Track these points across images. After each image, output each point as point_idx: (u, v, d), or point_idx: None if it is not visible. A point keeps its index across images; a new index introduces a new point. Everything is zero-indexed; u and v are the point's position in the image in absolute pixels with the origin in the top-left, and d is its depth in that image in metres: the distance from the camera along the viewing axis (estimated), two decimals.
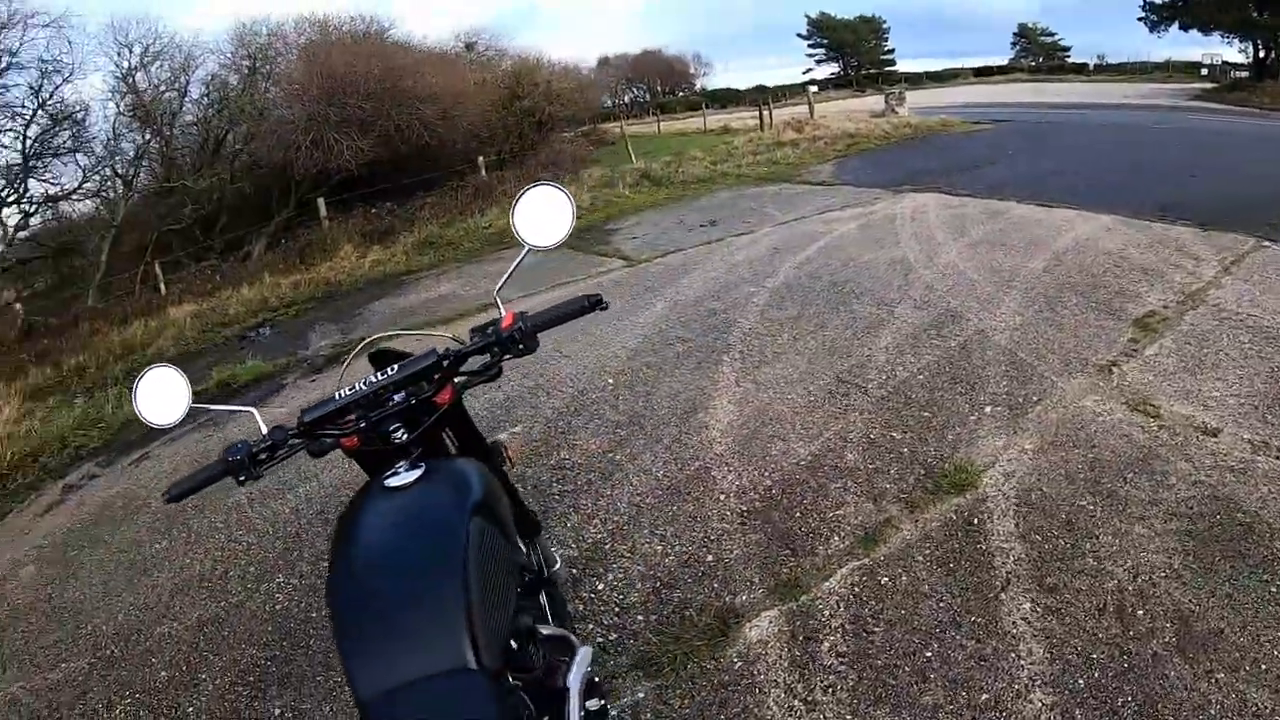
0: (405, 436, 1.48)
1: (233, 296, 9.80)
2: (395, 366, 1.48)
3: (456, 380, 1.56)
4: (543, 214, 1.60)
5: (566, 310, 1.53)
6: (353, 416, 1.46)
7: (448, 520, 1.30)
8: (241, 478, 1.44)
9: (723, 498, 3.06)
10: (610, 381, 4.41)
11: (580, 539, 2.96)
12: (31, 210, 13.83)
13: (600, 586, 2.67)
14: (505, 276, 1.62)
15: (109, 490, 4.48)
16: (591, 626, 2.47)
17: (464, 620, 1.11)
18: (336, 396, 1.45)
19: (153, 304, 10.79)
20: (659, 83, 52.53)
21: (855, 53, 55.94)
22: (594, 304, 1.51)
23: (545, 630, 1.57)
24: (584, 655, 1.54)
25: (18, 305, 13.24)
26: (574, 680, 1.44)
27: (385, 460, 1.46)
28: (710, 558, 2.71)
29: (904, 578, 2.46)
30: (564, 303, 1.54)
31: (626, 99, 50.00)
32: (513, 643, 1.30)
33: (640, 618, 2.47)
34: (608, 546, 2.88)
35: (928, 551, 2.56)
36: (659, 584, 2.62)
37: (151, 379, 1.60)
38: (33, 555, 3.83)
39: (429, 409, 1.51)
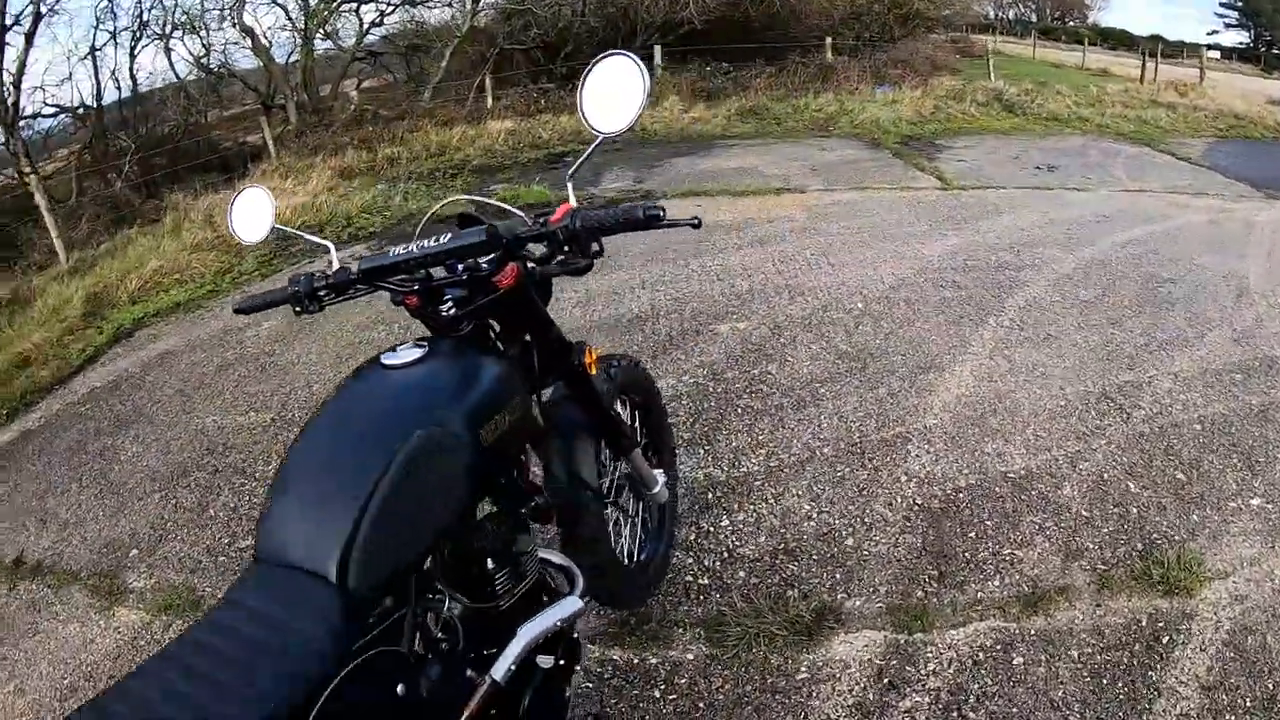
0: (453, 311, 1.30)
1: (551, 123, 10.29)
2: (448, 235, 1.30)
3: (529, 265, 1.38)
4: (614, 90, 1.32)
5: (627, 217, 1.27)
6: (412, 276, 1.31)
7: (399, 415, 1.13)
8: (299, 309, 1.38)
9: (903, 479, 2.49)
10: (859, 306, 3.84)
11: (734, 464, 2.61)
12: (389, 9, 15.38)
13: (724, 523, 2.32)
14: (579, 163, 1.35)
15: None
16: (690, 561, 2.16)
17: (347, 530, 0.97)
18: (391, 253, 1.31)
19: (477, 114, 11.74)
20: (1050, 6, 44.87)
21: (1271, 26, 42.20)
22: (686, 223, 1.32)
23: (555, 559, 1.39)
24: (565, 606, 1.30)
25: (353, 93, 15.20)
26: (529, 629, 1.23)
27: (441, 330, 1.33)
28: (851, 542, 2.21)
29: (1042, 670, 1.78)
30: (627, 207, 1.28)
31: (1011, 14, 43.43)
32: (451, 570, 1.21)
33: (740, 574, 2.10)
34: (756, 485, 2.50)
35: (1089, 649, 1.83)
36: (781, 547, 2.20)
37: (246, 197, 1.57)
38: (275, 314, 4.30)
39: (486, 288, 1.31)
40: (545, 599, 1.33)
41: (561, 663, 1.33)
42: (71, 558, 2.60)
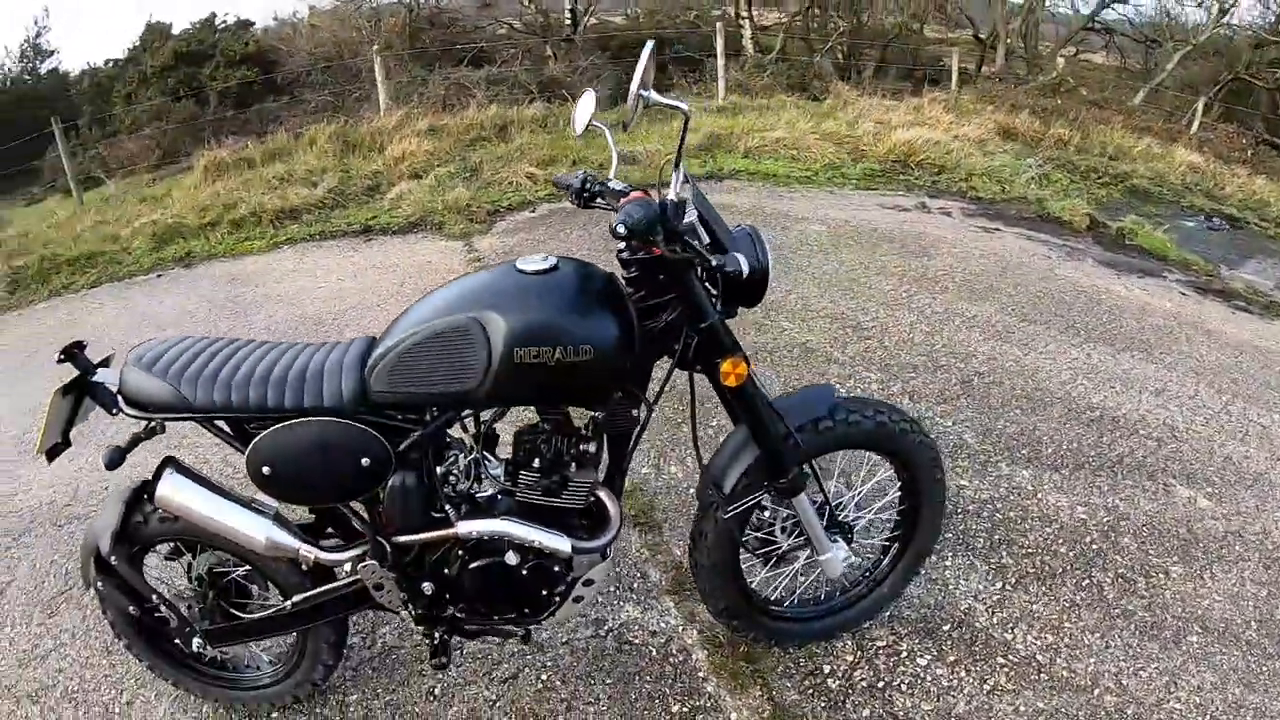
0: (622, 254, 1.44)
1: (1245, 185, 8.06)
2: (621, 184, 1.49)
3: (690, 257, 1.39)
4: None
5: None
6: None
7: (468, 298, 1.38)
8: (572, 201, 1.56)
9: None
10: None
11: None
12: None
13: None
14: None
15: None
16: None
17: (385, 353, 1.39)
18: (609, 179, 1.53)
19: (1174, 134, 9.74)
20: None
21: None
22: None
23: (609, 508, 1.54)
24: (554, 539, 1.47)
25: (1060, 59, 13.28)
26: (510, 522, 1.47)
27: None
28: None
29: None
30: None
31: None
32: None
33: None
34: None
35: None
36: None
37: (585, 99, 1.62)
38: None
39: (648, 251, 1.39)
40: (566, 524, 1.50)
41: (524, 572, 1.49)
42: None
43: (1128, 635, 1.95)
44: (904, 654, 1.92)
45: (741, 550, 1.74)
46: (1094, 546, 2.25)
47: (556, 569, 1.50)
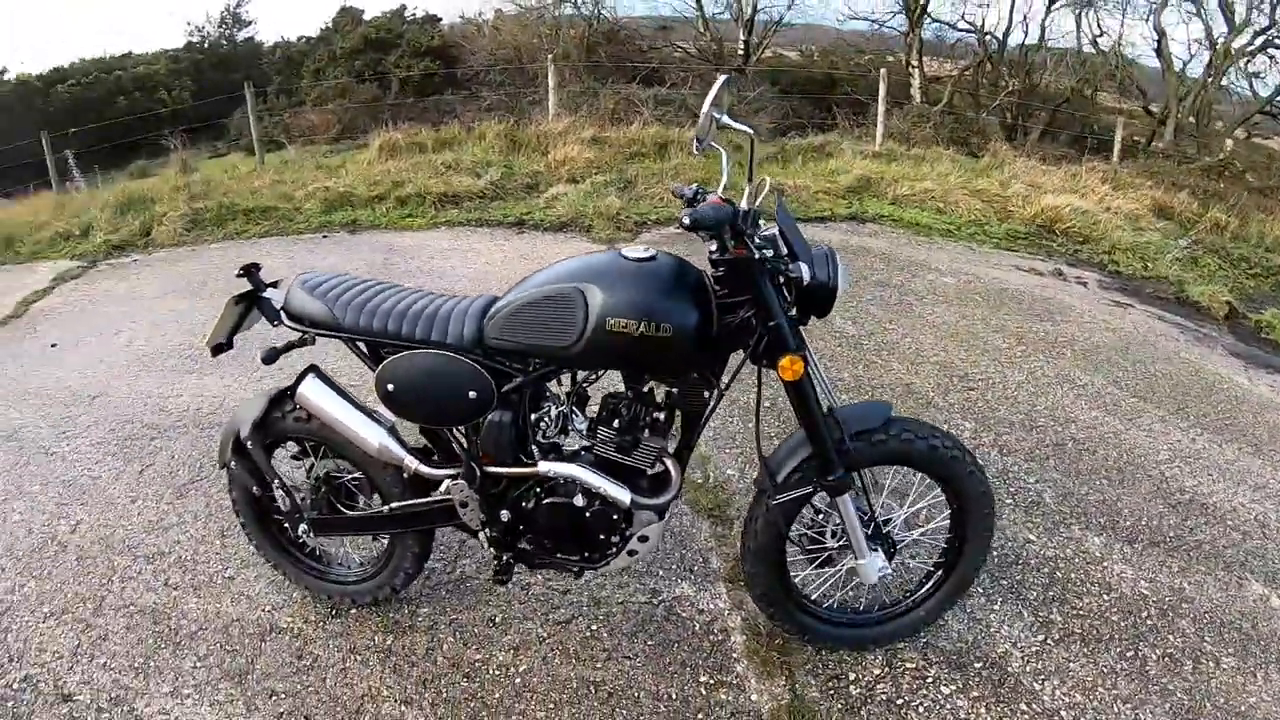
0: (713, 254, 1.61)
1: None
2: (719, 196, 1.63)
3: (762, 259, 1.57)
4: None
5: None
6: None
7: (577, 272, 1.62)
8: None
9: None
10: None
11: None
12: None
13: None
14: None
15: None
16: None
17: (501, 305, 1.67)
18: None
19: None
20: None
21: None
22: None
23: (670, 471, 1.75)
24: (616, 489, 1.68)
25: (1229, 141, 12.38)
26: (583, 468, 1.69)
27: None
28: None
29: None
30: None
31: None
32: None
33: None
34: None
35: None
36: None
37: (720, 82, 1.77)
38: None
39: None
40: (632, 482, 1.70)
41: (587, 515, 1.72)
42: None
43: (1160, 713, 1.93)
44: (930, 679, 1.98)
45: (789, 544, 1.88)
46: (1148, 622, 2.22)
47: (615, 517, 1.69)
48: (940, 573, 2.00)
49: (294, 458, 2.04)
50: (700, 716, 1.86)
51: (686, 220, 1.45)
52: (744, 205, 1.59)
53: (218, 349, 1.80)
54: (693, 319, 1.56)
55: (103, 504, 2.71)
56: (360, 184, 6.77)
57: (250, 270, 1.79)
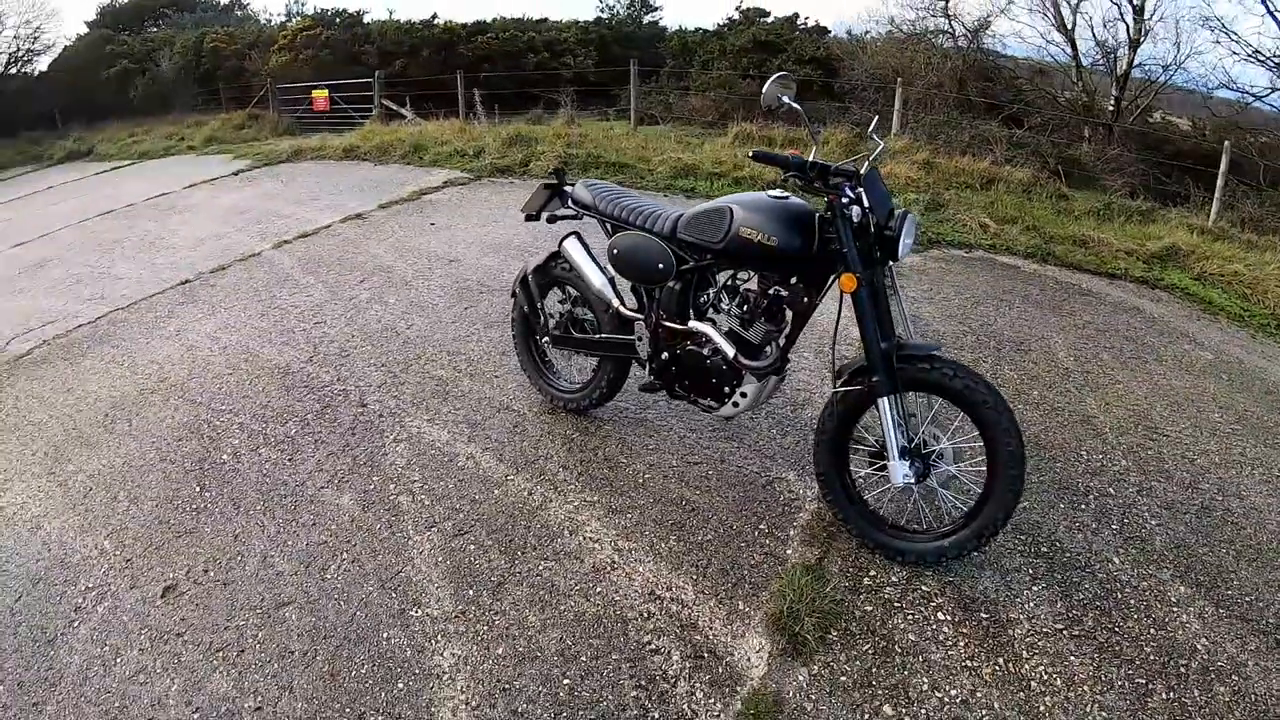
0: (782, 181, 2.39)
1: None
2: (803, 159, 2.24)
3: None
4: None
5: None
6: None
7: (728, 201, 2.44)
8: (795, 176, 2.27)
9: None
10: None
11: None
12: None
13: None
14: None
15: None
16: None
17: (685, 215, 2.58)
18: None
19: None
20: None
21: None
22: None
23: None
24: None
25: None
26: (717, 329, 2.53)
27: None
28: None
29: None
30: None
31: None
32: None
33: None
34: None
35: None
36: None
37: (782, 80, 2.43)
38: None
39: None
40: (746, 348, 2.45)
41: (708, 362, 2.51)
42: None
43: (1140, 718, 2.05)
44: (933, 604, 2.38)
45: (853, 444, 2.47)
46: (1180, 669, 2.21)
47: (725, 368, 2.49)
48: (966, 515, 2.39)
49: (560, 302, 3.12)
50: (744, 545, 2.59)
51: (751, 153, 2.28)
52: (812, 158, 2.22)
53: (529, 218, 2.93)
54: (794, 236, 2.28)
55: (432, 318, 4.22)
56: (707, 161, 8.06)
57: (559, 169, 2.89)
